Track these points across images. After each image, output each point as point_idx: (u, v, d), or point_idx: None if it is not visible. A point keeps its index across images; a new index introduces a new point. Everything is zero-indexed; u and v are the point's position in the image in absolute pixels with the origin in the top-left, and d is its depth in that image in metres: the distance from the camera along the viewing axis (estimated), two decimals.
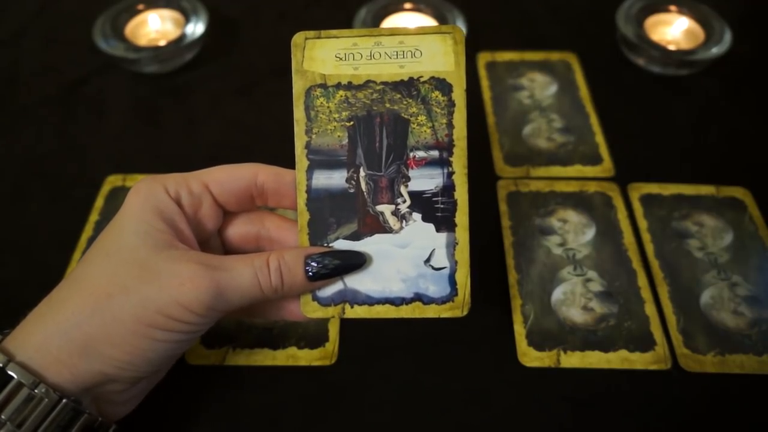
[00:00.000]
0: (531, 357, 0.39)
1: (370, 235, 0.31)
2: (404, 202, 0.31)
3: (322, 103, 0.31)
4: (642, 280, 0.42)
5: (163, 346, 0.29)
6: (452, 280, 0.31)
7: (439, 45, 0.31)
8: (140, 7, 0.57)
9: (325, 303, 0.31)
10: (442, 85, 0.31)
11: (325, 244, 0.31)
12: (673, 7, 0.58)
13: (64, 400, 0.28)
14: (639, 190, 0.47)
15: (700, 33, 0.56)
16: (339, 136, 0.31)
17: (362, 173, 0.31)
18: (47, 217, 0.46)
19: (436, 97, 0.31)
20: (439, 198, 0.31)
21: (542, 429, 0.36)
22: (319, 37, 0.31)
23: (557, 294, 0.41)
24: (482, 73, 0.56)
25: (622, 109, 0.53)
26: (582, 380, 0.38)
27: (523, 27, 0.61)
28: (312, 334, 0.39)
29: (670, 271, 0.43)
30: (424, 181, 0.31)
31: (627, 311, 0.41)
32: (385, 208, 0.31)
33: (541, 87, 0.55)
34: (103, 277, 0.28)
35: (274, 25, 0.61)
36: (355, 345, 0.39)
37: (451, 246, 0.31)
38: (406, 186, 0.31)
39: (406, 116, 0.31)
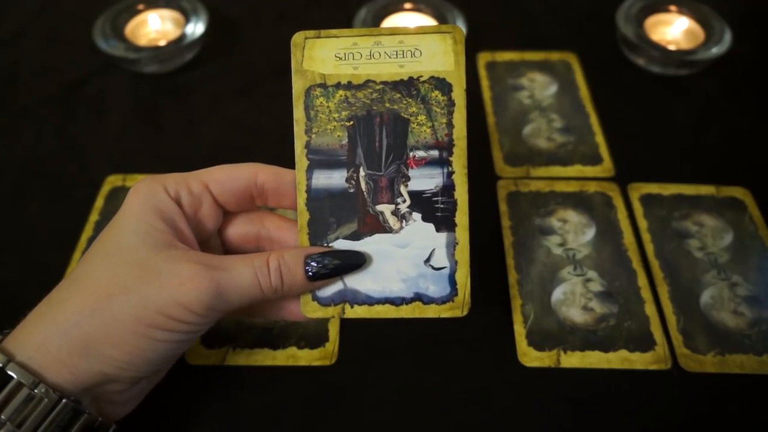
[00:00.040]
0: (531, 357, 0.39)
1: (370, 235, 0.31)
2: (404, 201, 0.31)
3: (321, 102, 0.31)
4: (642, 280, 0.42)
5: (163, 346, 0.29)
6: (452, 280, 0.31)
7: (439, 45, 0.31)
8: (140, 7, 0.57)
9: (325, 303, 0.31)
10: (441, 84, 0.31)
11: (325, 244, 0.31)
12: (673, 7, 0.58)
13: (63, 400, 0.28)
14: (639, 190, 0.47)
15: (700, 33, 0.56)
16: (339, 136, 0.31)
17: (362, 173, 0.31)
18: (47, 217, 0.46)
19: (436, 96, 0.31)
20: (439, 198, 0.31)
21: (542, 429, 0.36)
22: (318, 37, 0.31)
23: (557, 294, 0.41)
24: (482, 73, 0.56)
25: (622, 109, 0.53)
26: (582, 380, 0.38)
27: (523, 27, 0.61)
28: (312, 334, 0.39)
29: (670, 271, 0.43)
30: (424, 180, 0.31)
31: (627, 311, 0.41)
32: (385, 208, 0.31)
33: (541, 87, 0.55)
34: (103, 277, 0.28)
35: (274, 25, 0.61)
36: (355, 345, 0.39)
37: (451, 246, 0.31)
38: (406, 186, 0.31)
39: (405, 116, 0.31)
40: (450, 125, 0.31)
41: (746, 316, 0.40)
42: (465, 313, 0.31)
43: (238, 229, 0.33)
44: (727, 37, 0.54)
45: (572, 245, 0.44)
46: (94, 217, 0.45)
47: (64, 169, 0.49)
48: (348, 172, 0.31)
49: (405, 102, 0.31)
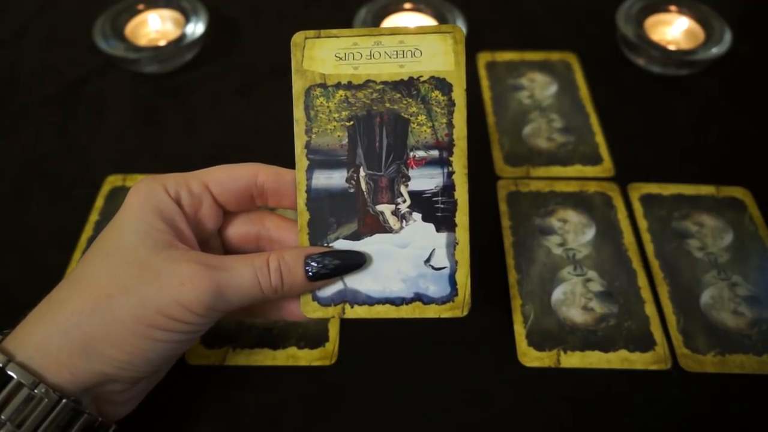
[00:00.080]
0: (531, 357, 0.39)
1: (370, 235, 0.31)
2: (404, 201, 0.31)
3: (321, 102, 0.31)
4: (642, 280, 0.42)
5: (163, 346, 0.29)
6: (452, 280, 0.31)
7: (439, 44, 0.31)
8: (140, 7, 0.57)
9: (325, 303, 0.31)
10: (442, 84, 0.31)
11: (325, 244, 0.31)
12: (673, 7, 0.58)
13: (63, 400, 0.28)
14: (639, 190, 0.47)
15: (700, 33, 0.56)
16: (339, 136, 0.31)
17: (362, 173, 0.31)
18: (47, 217, 0.46)
19: (436, 96, 0.31)
20: (439, 198, 0.31)
21: (542, 429, 0.36)
22: (318, 37, 0.31)
23: (557, 294, 0.41)
24: (482, 73, 0.56)
25: (622, 109, 0.53)
26: (582, 380, 0.38)
27: (523, 27, 0.61)
28: (312, 334, 0.39)
29: (670, 271, 0.43)
30: (424, 180, 0.31)
31: (627, 311, 0.41)
32: (385, 208, 0.31)
33: (541, 87, 0.55)
34: (103, 277, 0.28)
35: (274, 25, 0.61)
36: (355, 345, 0.39)
37: (451, 246, 0.31)
38: (406, 186, 0.31)
39: (406, 116, 0.31)
40: (450, 125, 0.31)
41: (746, 316, 0.40)
42: (465, 313, 0.31)
43: (238, 229, 0.33)
44: (727, 37, 0.54)
45: (572, 245, 0.44)
46: (94, 217, 0.45)
47: (64, 169, 0.49)
48: (348, 172, 0.31)
49: (405, 102, 0.31)
